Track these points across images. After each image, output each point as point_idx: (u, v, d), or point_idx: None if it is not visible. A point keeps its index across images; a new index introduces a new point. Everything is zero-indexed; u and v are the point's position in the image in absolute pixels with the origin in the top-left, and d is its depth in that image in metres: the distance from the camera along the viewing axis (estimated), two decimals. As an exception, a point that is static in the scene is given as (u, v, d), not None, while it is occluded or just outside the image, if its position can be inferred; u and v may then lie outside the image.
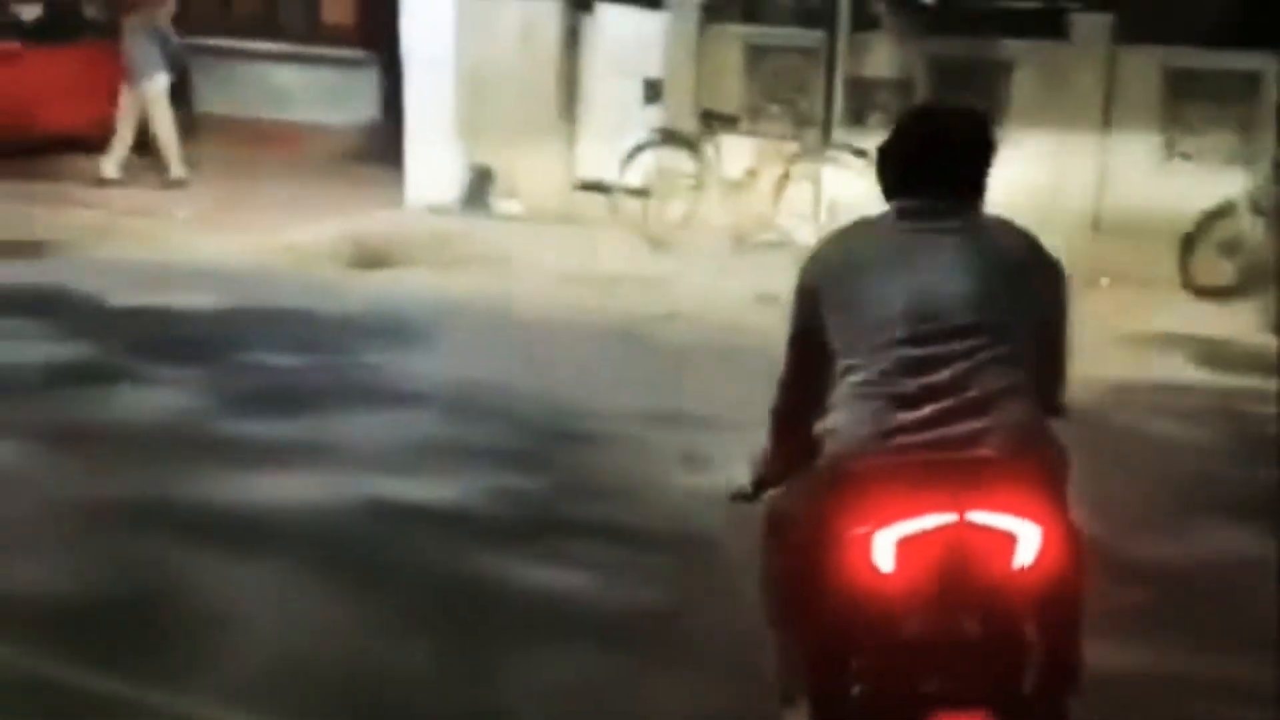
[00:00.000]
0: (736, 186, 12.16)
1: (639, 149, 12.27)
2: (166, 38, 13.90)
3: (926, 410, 3.31)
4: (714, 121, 12.30)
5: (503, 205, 13.38)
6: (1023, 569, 3.25)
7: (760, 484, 3.82)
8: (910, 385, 3.32)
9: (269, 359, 9.13)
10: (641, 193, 12.27)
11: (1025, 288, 3.46)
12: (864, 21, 12.30)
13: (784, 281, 3.92)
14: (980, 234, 3.50)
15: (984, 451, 3.29)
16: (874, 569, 3.24)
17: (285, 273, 11.34)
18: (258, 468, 7.06)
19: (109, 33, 14.45)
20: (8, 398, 8.03)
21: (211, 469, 7.00)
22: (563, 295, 10.66)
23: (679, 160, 12.23)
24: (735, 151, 12.19)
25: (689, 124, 12.45)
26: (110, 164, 13.88)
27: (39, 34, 15.09)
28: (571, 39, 13.16)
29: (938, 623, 3.28)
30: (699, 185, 12.15)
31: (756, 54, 12.70)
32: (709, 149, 12.18)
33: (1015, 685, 3.31)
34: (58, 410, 7.89)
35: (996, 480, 3.27)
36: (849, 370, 3.43)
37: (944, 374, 3.33)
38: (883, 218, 3.58)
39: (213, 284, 10.63)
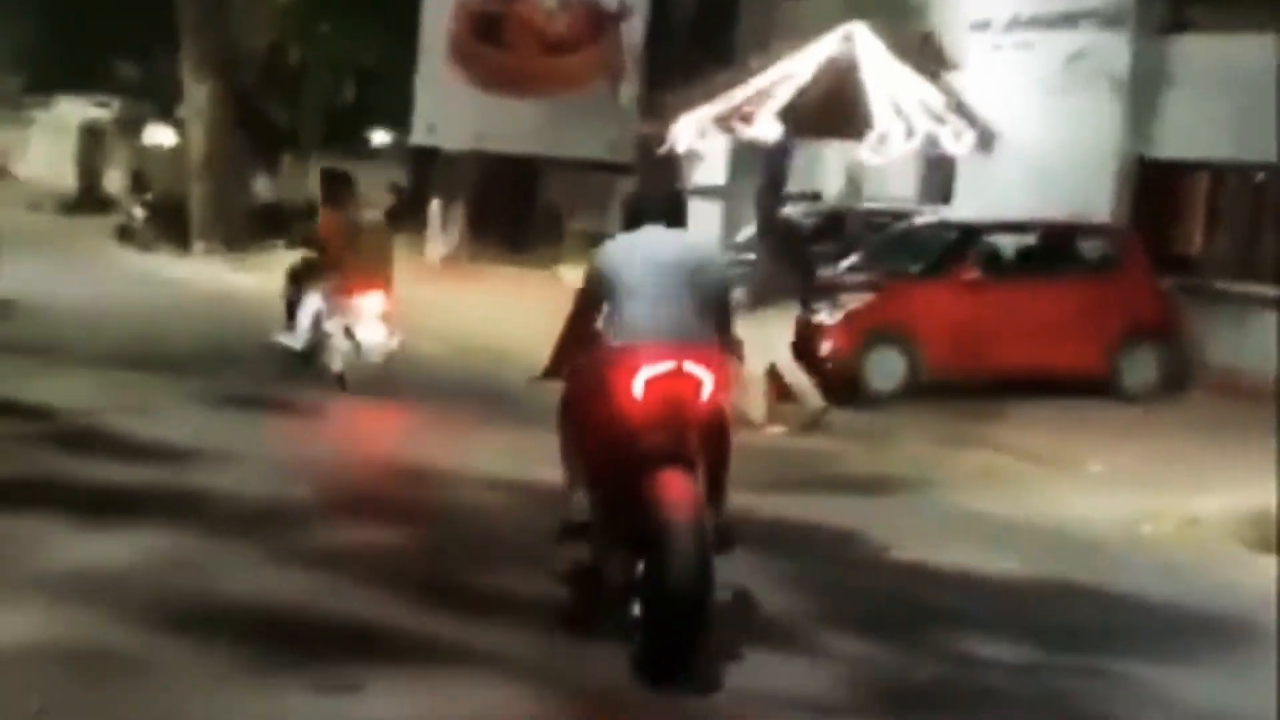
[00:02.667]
0: None
1: None
2: None
3: (661, 324, 6.20)
4: None
5: None
6: (703, 401, 6.10)
7: (548, 373, 6.78)
8: (651, 312, 6.23)
9: (986, 649, 6.76)
10: None
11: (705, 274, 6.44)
12: None
13: None
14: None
15: (688, 340, 6.18)
16: (632, 397, 6.01)
17: (1155, 546, 8.76)
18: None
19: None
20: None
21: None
22: None
23: None
24: None
25: None
26: None
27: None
28: None
29: (661, 425, 5.96)
30: None
31: None
32: None
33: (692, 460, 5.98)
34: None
35: (694, 354, 6.11)
36: (618, 306, 6.29)
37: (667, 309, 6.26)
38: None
39: (1038, 545, 8.47)
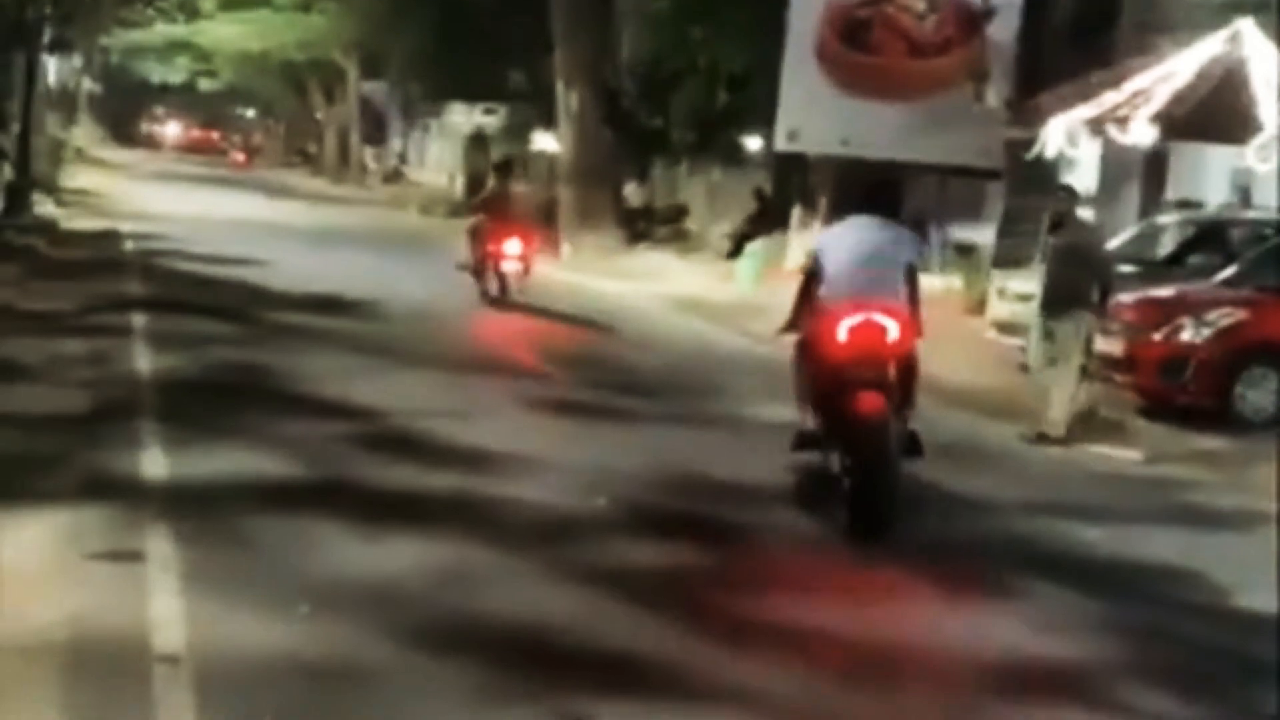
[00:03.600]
0: None
1: None
2: None
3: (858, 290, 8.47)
4: None
5: None
6: (891, 343, 8.32)
7: (788, 327, 9.25)
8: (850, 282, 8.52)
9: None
10: None
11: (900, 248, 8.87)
12: None
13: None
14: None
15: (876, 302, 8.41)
16: (838, 341, 8.25)
17: None
18: None
19: None
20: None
21: None
22: None
23: None
24: None
25: None
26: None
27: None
28: None
29: (860, 363, 8.19)
30: None
31: None
32: None
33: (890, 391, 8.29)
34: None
35: (882, 308, 8.34)
36: (829, 279, 8.65)
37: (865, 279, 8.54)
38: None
39: None
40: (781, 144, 23.92)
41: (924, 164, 22.44)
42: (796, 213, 25.39)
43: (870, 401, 8.03)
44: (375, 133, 55.99)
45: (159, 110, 79.36)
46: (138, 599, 6.01)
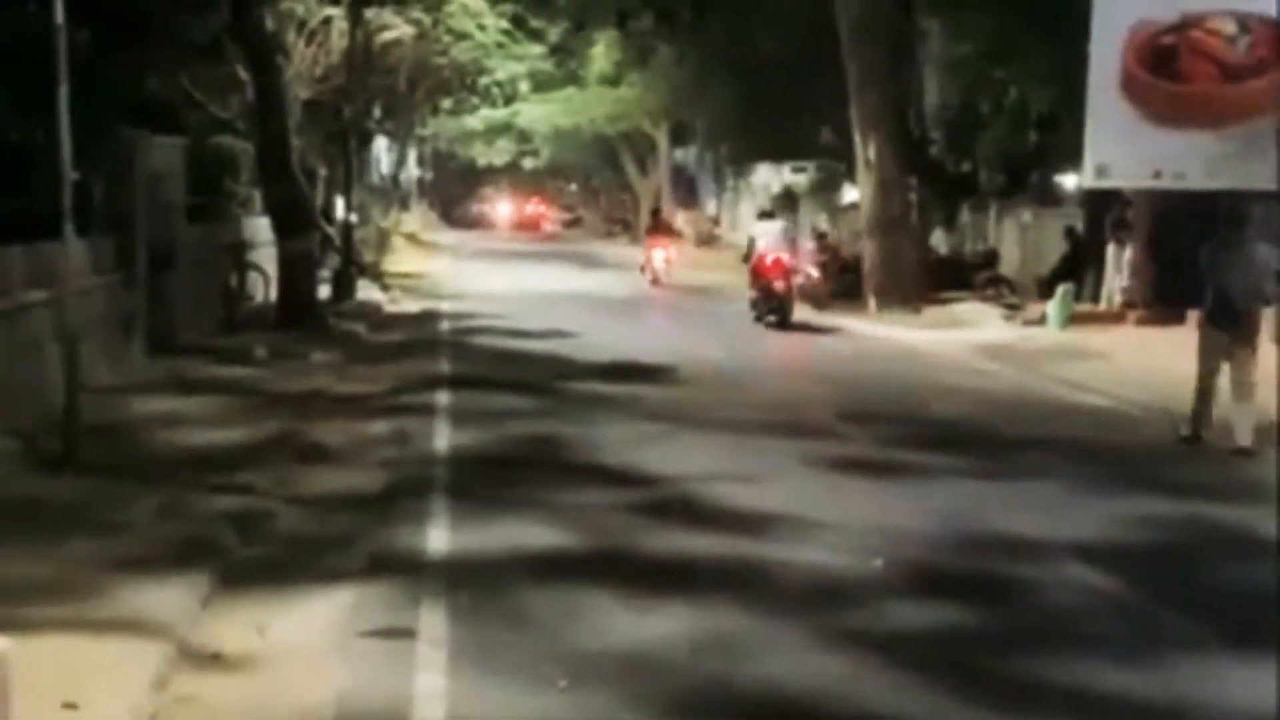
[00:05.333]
0: None
1: None
2: None
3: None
4: None
5: None
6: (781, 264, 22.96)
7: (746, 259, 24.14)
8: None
9: None
10: None
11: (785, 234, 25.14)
12: None
13: None
14: None
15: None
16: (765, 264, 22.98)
17: None
18: None
19: None
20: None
21: None
22: None
23: None
24: None
25: None
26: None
27: None
28: None
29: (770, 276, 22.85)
30: None
31: None
32: None
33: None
34: None
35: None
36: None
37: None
38: None
39: None
40: (1090, 180, 23.08)
41: (1244, 192, 21.34)
42: (1110, 250, 24.55)
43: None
44: (688, 197, 56.86)
45: (487, 190, 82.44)
46: (404, 676, 6.16)
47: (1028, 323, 22.54)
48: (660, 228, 33.67)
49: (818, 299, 26.21)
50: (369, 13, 24.99)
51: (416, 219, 66.47)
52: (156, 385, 13.81)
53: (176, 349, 16.28)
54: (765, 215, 25.09)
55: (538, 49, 33.24)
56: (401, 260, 37.94)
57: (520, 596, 7.37)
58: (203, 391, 13.65)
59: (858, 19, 26.10)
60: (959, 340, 20.90)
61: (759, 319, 22.57)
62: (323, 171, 28.56)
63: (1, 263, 11.27)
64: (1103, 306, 24.29)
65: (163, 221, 16.31)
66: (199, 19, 19.74)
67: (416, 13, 26.84)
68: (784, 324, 22.08)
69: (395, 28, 27.05)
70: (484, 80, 33.04)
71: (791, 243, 23.49)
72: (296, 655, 6.43)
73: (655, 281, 31.26)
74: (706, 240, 51.86)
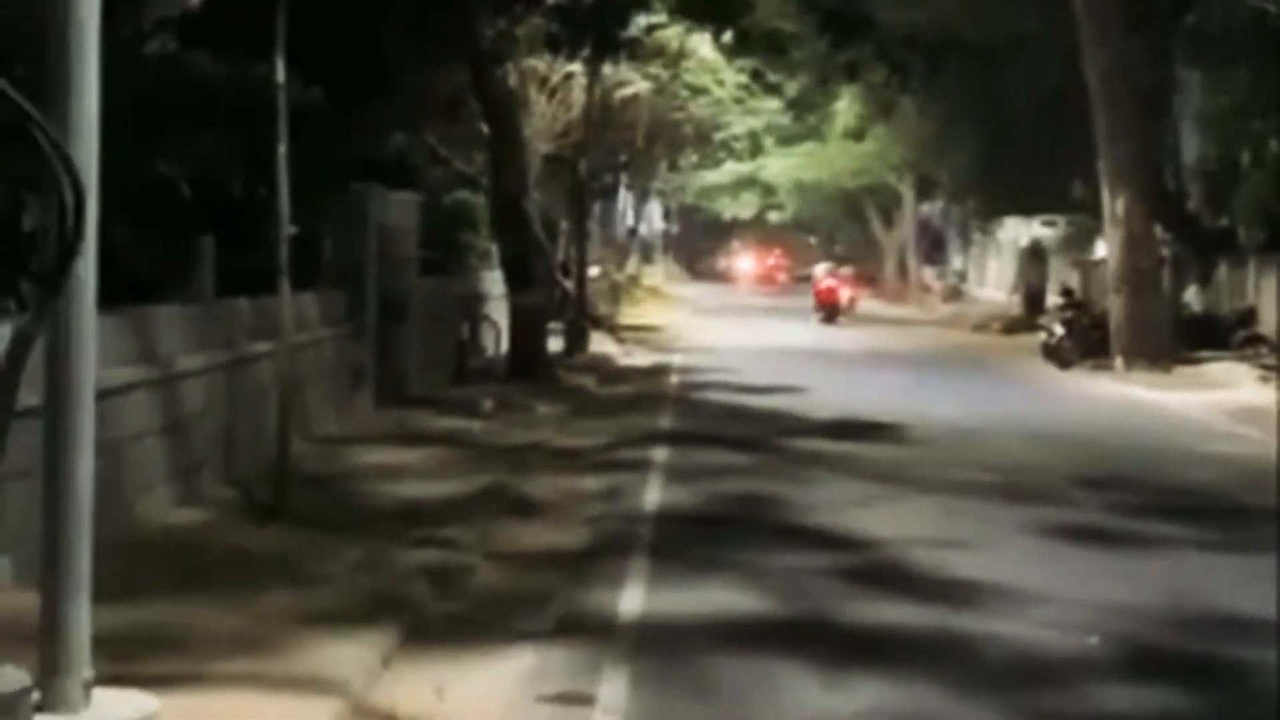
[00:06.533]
0: None
1: None
2: None
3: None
4: None
5: None
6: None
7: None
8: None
9: None
10: None
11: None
12: None
13: None
14: None
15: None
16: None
17: None
18: None
19: None
20: None
21: None
22: None
23: None
24: None
25: None
26: None
27: None
28: None
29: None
30: None
31: None
32: None
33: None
34: None
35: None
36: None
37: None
38: None
39: None
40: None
41: None
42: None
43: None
44: (934, 252, 56.01)
45: (732, 244, 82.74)
46: (575, 744, 5.99)
47: (1287, 384, 21.42)
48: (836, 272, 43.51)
49: (1063, 357, 25.37)
50: (608, 68, 25.22)
51: (660, 272, 66.95)
52: (380, 436, 14.01)
53: (405, 400, 16.54)
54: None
55: (774, 104, 33.17)
56: (642, 312, 38.17)
57: (709, 665, 7.11)
58: (424, 443, 13.78)
59: (1107, 69, 25.34)
60: (1209, 401, 19.94)
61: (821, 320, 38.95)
62: (564, 225, 28.95)
63: (228, 315, 11.56)
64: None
65: (395, 274, 16.63)
66: (441, 75, 20.21)
67: (654, 68, 27.01)
68: (831, 320, 39.03)
69: (633, 83, 27.28)
70: (721, 135, 33.11)
71: (839, 276, 42.16)
72: (471, 718, 6.31)
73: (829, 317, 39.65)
74: (953, 295, 50.98)
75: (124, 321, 9.45)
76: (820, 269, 43.95)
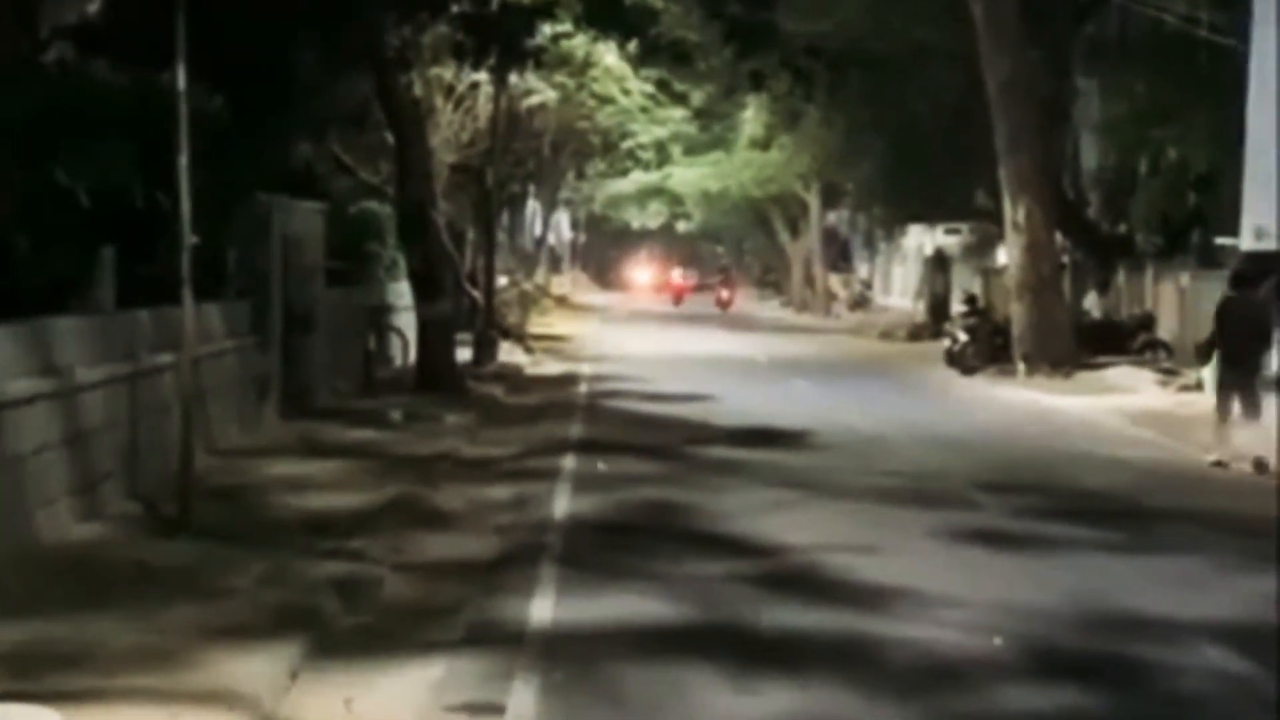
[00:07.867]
0: None
1: None
2: None
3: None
4: None
5: None
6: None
7: None
8: None
9: None
10: None
11: None
12: None
13: None
14: None
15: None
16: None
17: None
18: None
19: None
20: None
21: None
22: None
23: None
24: None
25: None
26: None
27: None
28: None
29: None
30: None
31: None
32: None
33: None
34: None
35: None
36: None
37: None
38: None
39: None
40: (1249, 243, 22.40)
41: None
42: (1275, 313, 23.67)
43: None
44: (840, 261, 56.46)
45: (640, 253, 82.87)
46: (484, 754, 5.97)
47: (1184, 388, 21.76)
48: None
49: (966, 364, 25.68)
50: (514, 78, 25.18)
51: (568, 281, 66.93)
52: (286, 448, 13.87)
53: (312, 412, 16.39)
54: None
55: (681, 113, 33.29)
56: (551, 322, 38.13)
57: (619, 673, 7.12)
58: (331, 455, 13.67)
59: (1007, 78, 25.68)
60: (1109, 406, 20.26)
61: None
62: (471, 235, 28.86)
63: (130, 326, 11.40)
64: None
65: (300, 285, 16.48)
66: (346, 84, 20.05)
67: (561, 77, 27.02)
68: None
69: (540, 92, 27.27)
70: (627, 144, 33.18)
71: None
72: (377, 729, 6.28)
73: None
74: (859, 303, 51.43)
75: (23, 333, 9.31)
76: (675, 272, 66.27)
